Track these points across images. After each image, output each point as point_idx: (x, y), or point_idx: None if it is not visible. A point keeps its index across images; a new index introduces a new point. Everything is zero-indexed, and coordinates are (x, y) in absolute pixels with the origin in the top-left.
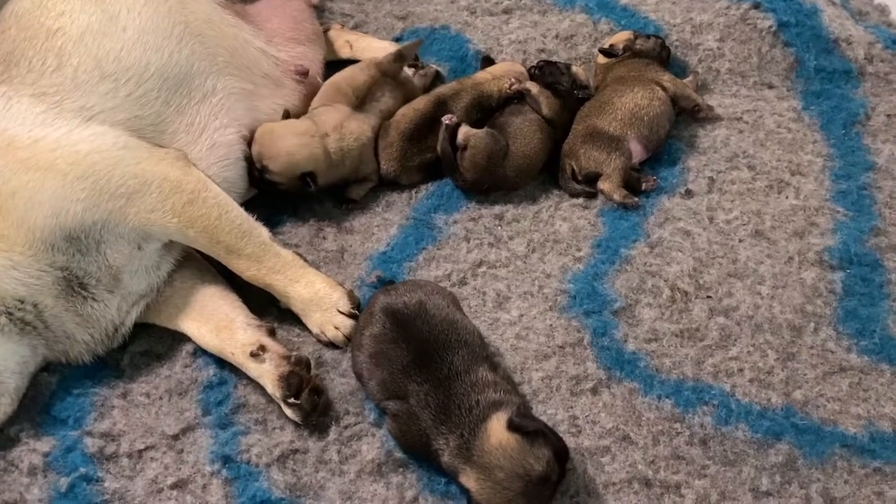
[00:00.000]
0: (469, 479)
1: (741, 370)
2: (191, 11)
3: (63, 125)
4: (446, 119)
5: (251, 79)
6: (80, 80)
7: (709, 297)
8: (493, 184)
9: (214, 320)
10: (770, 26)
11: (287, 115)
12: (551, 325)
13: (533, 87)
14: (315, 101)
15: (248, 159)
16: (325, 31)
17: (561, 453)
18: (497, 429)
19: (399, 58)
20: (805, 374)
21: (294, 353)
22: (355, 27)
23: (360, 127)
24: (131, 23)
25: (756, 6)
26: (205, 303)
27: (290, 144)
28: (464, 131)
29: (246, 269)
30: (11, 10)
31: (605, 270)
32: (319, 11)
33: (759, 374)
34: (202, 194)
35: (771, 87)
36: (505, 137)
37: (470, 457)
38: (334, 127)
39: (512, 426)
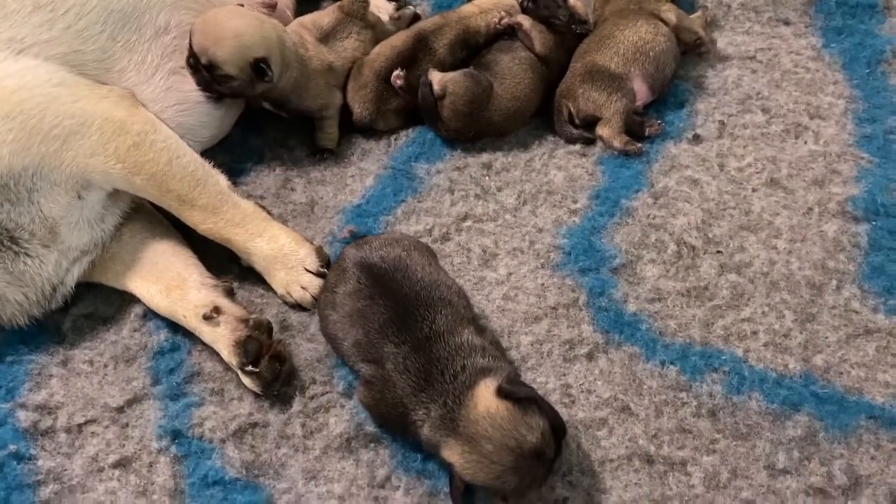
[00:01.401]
0: (453, 453)
1: (755, 333)
2: None
3: None
4: (396, 79)
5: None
6: (10, 8)
7: (719, 252)
8: (478, 131)
9: (165, 279)
10: None
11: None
12: (543, 284)
13: (525, 22)
14: None
15: (192, 60)
16: None
17: (557, 426)
18: (485, 396)
19: None
20: (826, 337)
21: (253, 317)
22: None
23: (317, 54)
24: None
25: None
26: (155, 260)
27: (237, 24)
28: (438, 78)
29: (201, 222)
30: None
31: (604, 224)
32: None
33: (774, 338)
34: (150, 137)
35: (787, 23)
36: (491, 77)
37: (454, 428)
38: (292, 29)
39: (502, 393)
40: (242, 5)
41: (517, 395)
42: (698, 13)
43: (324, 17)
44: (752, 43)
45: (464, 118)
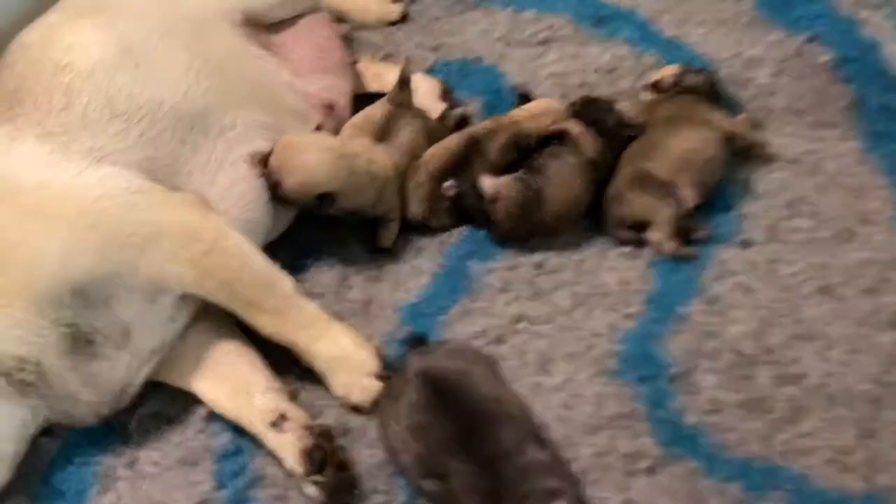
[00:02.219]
0: None
1: (815, 449)
2: (211, 44)
3: (71, 168)
4: (448, 189)
5: (275, 113)
6: (90, 119)
7: (774, 362)
8: (530, 232)
9: (231, 382)
10: (827, 61)
11: (318, 129)
12: (601, 392)
13: (575, 127)
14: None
15: (264, 166)
16: (354, 62)
17: None
18: None
19: (402, 84)
20: (888, 455)
21: (318, 423)
22: (385, 58)
23: (384, 157)
24: (145, 57)
25: (811, 39)
26: (220, 361)
27: (311, 159)
28: (490, 182)
29: (266, 326)
30: (20, 43)
31: (660, 330)
32: (348, 42)
33: (835, 455)
34: (221, 243)
35: (830, 126)
36: (541, 181)
37: None
38: (365, 149)
39: None
40: (320, 127)
41: None
42: (742, 116)
43: (374, 112)
44: (796, 146)
45: (516, 220)
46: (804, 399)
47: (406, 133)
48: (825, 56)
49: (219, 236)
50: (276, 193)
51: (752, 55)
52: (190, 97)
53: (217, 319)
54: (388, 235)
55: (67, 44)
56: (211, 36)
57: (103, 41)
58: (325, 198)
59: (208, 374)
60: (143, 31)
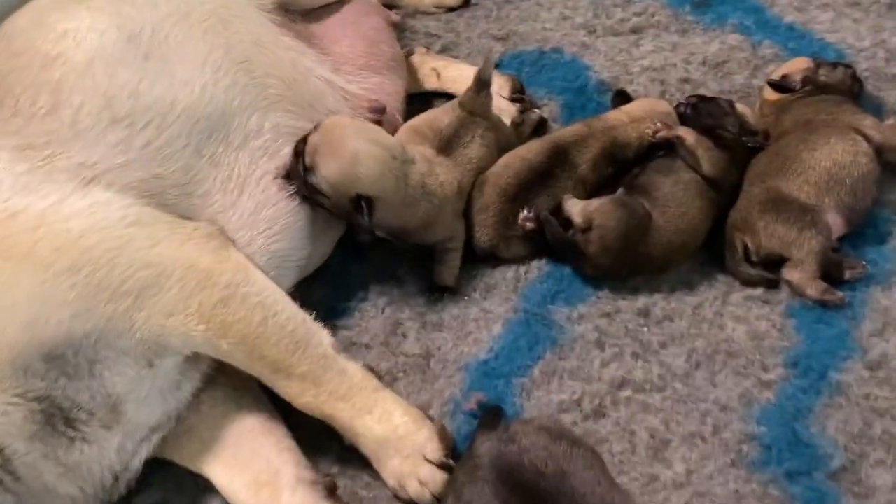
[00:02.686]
0: None
1: None
2: (235, 32)
3: (52, 192)
4: (525, 222)
5: (311, 116)
6: (83, 125)
7: None
8: (633, 269)
9: (253, 469)
10: None
11: (378, 122)
12: (738, 490)
13: (688, 135)
14: None
15: (300, 146)
16: (407, 55)
17: None
18: None
19: (480, 85)
20: None
21: None
22: (443, 50)
23: (447, 176)
24: (155, 48)
25: None
26: (240, 440)
27: (360, 149)
28: (579, 208)
29: (299, 395)
30: (3, 32)
31: (810, 405)
32: (400, 31)
33: None
34: (241, 289)
35: None
36: (649, 204)
37: None
38: (425, 159)
39: None
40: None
41: None
42: (891, 120)
43: (441, 117)
44: None
45: (615, 255)
46: None
47: (476, 147)
48: None
49: (238, 280)
50: (304, 182)
51: None
52: (208, 96)
53: (239, 383)
54: (449, 271)
55: (60, 31)
56: (235, 23)
57: (103, 28)
58: (363, 202)
59: (225, 456)
60: (153, 17)
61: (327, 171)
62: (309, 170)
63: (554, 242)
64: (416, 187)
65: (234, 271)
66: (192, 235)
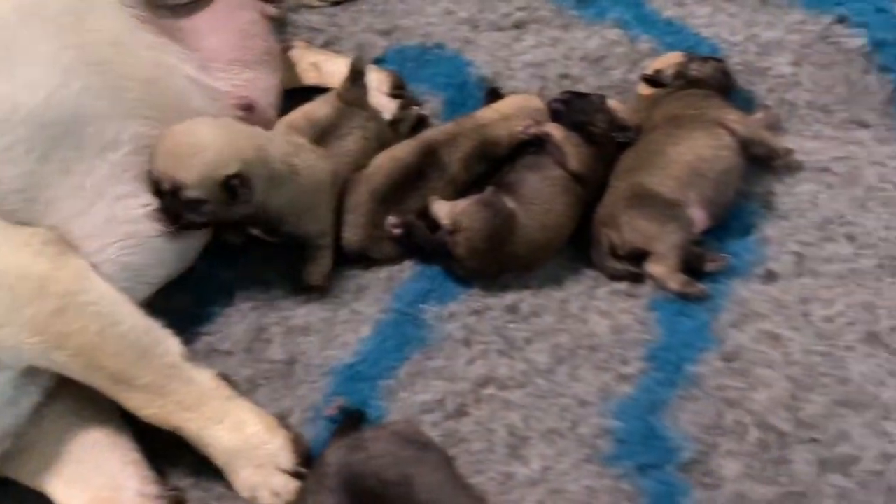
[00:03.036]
0: None
1: None
2: (91, 30)
3: None
4: (393, 227)
5: (175, 120)
6: None
7: (814, 439)
8: (501, 268)
9: (94, 486)
10: (861, 46)
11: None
12: (590, 486)
13: (556, 132)
14: None
15: (156, 187)
16: (286, 50)
17: None
18: None
19: (355, 75)
20: None
21: None
22: (326, 45)
23: (319, 162)
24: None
25: (841, 20)
26: (82, 456)
27: (201, 137)
28: (445, 210)
29: (142, 407)
30: None
31: (665, 397)
32: (281, 25)
33: None
34: (78, 299)
35: (865, 125)
36: (514, 202)
37: None
38: (291, 142)
39: None
40: None
41: None
42: (759, 115)
43: (318, 109)
44: (824, 150)
45: (482, 256)
46: (857, 493)
47: (355, 139)
48: (857, 40)
49: (75, 289)
50: (179, 202)
51: (769, 39)
52: (57, 101)
53: (83, 396)
54: (320, 270)
55: None
56: (92, 19)
57: None
58: (238, 182)
59: (66, 473)
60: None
61: (187, 176)
62: (175, 192)
63: (424, 245)
64: (280, 162)
65: (72, 279)
66: (29, 241)
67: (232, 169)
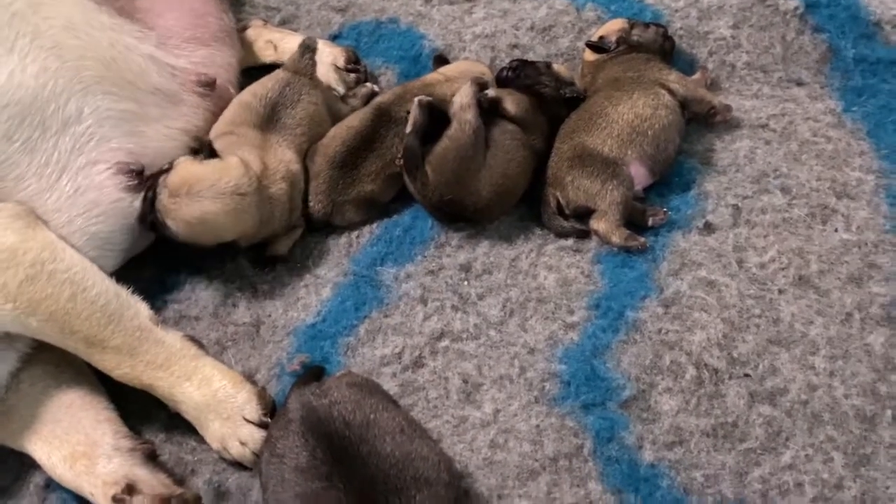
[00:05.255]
0: None
1: (799, 485)
2: (45, 17)
3: None
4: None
5: (135, 96)
6: None
7: (746, 375)
8: (459, 204)
9: (70, 442)
10: (795, 8)
11: (197, 150)
12: (538, 425)
13: (490, 92)
14: (215, 129)
15: (148, 197)
16: (243, 29)
17: None
18: None
19: (304, 49)
20: (887, 487)
21: (177, 494)
22: (282, 23)
23: (289, 155)
24: None
25: None
26: (59, 416)
27: (213, 210)
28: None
29: (115, 367)
30: None
31: (608, 342)
32: (239, 5)
33: (823, 490)
34: (48, 267)
35: (801, 83)
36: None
37: None
38: (260, 168)
39: None
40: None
41: None
42: (697, 75)
43: (265, 84)
44: (762, 108)
45: (448, 177)
46: (784, 421)
47: (304, 106)
48: (792, 2)
49: (45, 258)
50: (155, 228)
51: (710, 4)
52: (16, 82)
53: (59, 360)
54: (286, 242)
55: None
56: (45, 7)
57: None
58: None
59: (44, 433)
60: None
61: (182, 233)
62: (155, 222)
63: (405, 147)
64: (264, 208)
65: (41, 249)
66: None
67: (228, 238)
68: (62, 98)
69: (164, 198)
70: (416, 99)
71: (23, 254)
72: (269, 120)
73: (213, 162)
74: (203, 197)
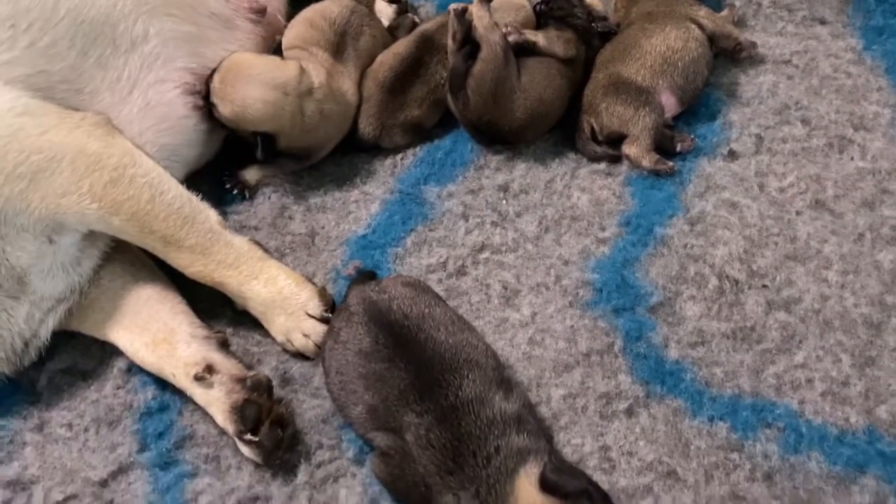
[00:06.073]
0: None
1: (810, 381)
2: None
3: None
4: (452, 11)
5: (194, 19)
6: None
7: (765, 286)
8: (496, 125)
9: (151, 331)
10: None
11: (279, 47)
12: (573, 326)
13: (539, 40)
14: (286, 41)
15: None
16: None
17: None
18: (527, 489)
19: None
20: (889, 385)
21: (251, 375)
22: None
23: (350, 87)
24: None
25: None
26: (139, 307)
27: (251, 94)
28: (484, 24)
29: (189, 265)
30: None
31: (637, 255)
32: None
33: (832, 386)
34: (129, 171)
35: (823, 22)
36: (521, 72)
37: None
38: (321, 84)
39: (547, 486)
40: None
41: (565, 488)
42: (725, 12)
43: (331, 7)
44: (786, 45)
45: (486, 96)
46: (797, 326)
47: (366, 38)
48: None
49: (125, 163)
50: (210, 112)
51: None
52: (90, 3)
53: (135, 260)
54: (286, 169)
55: None
56: None
57: None
58: (261, 137)
59: (125, 323)
60: None
61: (223, 112)
62: (209, 104)
63: (451, 66)
64: (314, 115)
65: (122, 155)
66: (80, 124)
67: (262, 129)
68: (130, 18)
69: (217, 77)
70: (450, 7)
71: (107, 158)
72: (338, 48)
73: (273, 57)
74: (249, 82)
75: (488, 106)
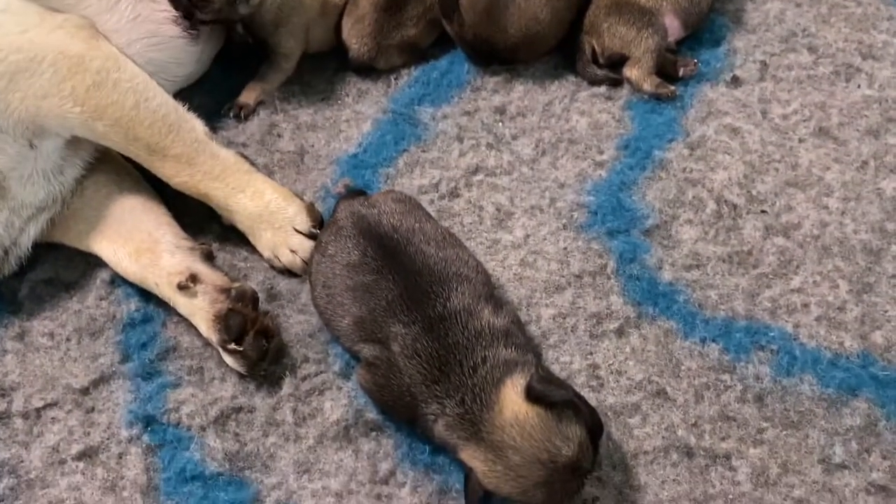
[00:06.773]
0: (473, 459)
1: (806, 305)
2: None
3: None
4: None
5: None
6: None
7: (763, 211)
8: (490, 42)
9: (134, 241)
10: None
11: None
12: (566, 248)
13: None
14: None
15: None
16: None
17: (595, 429)
18: (512, 398)
19: None
20: (886, 311)
21: (235, 285)
22: None
23: None
24: None
25: None
26: (123, 217)
27: None
28: None
29: (174, 175)
30: None
31: (635, 178)
32: None
33: (828, 311)
34: (113, 75)
35: None
36: None
37: (476, 431)
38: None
39: (532, 395)
40: None
41: (551, 398)
42: None
43: None
44: None
45: (480, 15)
46: (795, 251)
47: None
48: None
49: (109, 67)
50: (191, 5)
51: None
52: None
53: (120, 171)
54: (262, 87)
55: None
56: None
57: None
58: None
59: (109, 233)
60: None
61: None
62: None
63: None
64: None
65: (106, 57)
66: (63, 25)
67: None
68: None
69: None
70: None
71: (89, 61)
72: None
73: None
74: None
75: (483, 24)
